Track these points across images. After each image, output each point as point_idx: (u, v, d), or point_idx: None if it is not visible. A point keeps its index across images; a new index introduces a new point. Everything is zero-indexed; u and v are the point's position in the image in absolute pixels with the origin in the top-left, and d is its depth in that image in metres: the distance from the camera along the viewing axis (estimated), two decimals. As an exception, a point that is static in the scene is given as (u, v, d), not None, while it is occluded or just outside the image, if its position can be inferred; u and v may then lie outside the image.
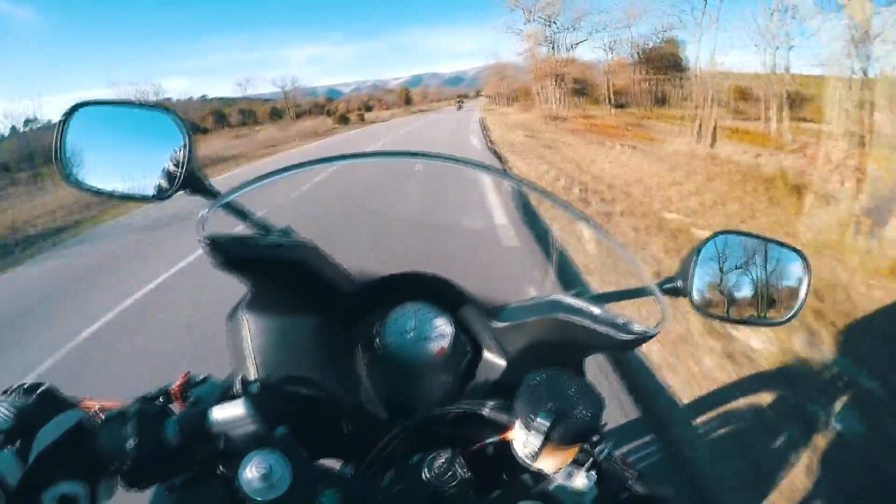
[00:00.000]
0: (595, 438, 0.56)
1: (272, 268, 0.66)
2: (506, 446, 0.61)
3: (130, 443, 0.51)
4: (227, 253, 0.61)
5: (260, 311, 0.73)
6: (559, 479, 0.56)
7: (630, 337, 0.64)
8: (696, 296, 0.73)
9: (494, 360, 0.77)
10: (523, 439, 0.54)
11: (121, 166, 0.67)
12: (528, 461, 0.55)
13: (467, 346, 0.77)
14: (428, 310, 0.77)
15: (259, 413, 0.55)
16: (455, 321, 0.77)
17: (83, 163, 0.66)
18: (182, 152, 0.65)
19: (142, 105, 0.66)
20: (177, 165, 0.65)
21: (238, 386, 0.57)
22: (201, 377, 0.63)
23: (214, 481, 0.56)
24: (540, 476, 0.59)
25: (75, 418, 0.52)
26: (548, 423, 0.51)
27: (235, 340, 0.76)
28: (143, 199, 0.66)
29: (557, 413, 0.52)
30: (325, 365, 0.74)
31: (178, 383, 0.61)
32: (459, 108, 43.52)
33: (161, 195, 0.65)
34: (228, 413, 0.54)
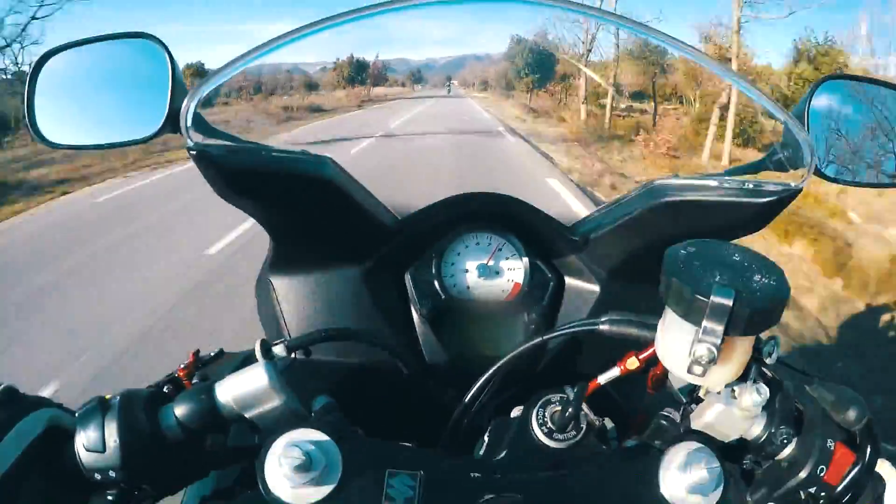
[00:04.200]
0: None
1: (290, 190, 0.52)
2: (630, 375, 0.46)
3: (112, 443, 0.37)
4: (228, 167, 0.48)
5: (287, 266, 0.61)
6: (720, 402, 0.39)
7: (768, 199, 0.49)
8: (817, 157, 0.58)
9: (583, 285, 0.62)
10: (686, 340, 0.37)
11: (102, 112, 0.57)
12: (696, 374, 0.36)
13: (547, 274, 0.63)
14: (492, 238, 0.64)
15: (286, 381, 0.41)
16: (527, 247, 0.63)
17: (60, 117, 0.56)
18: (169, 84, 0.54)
19: (117, 36, 0.56)
20: (164, 98, 0.54)
21: (257, 350, 0.42)
22: (214, 354, 0.50)
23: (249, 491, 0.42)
24: (691, 402, 0.42)
25: (44, 420, 0.38)
26: (730, 301, 0.33)
27: (264, 310, 0.63)
28: (126, 143, 0.55)
29: (738, 286, 0.34)
30: (374, 323, 0.60)
31: (184, 364, 0.47)
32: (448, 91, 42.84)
33: (146, 136, 0.53)
34: (242, 384, 0.40)
